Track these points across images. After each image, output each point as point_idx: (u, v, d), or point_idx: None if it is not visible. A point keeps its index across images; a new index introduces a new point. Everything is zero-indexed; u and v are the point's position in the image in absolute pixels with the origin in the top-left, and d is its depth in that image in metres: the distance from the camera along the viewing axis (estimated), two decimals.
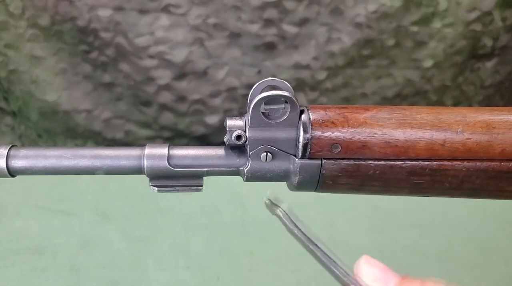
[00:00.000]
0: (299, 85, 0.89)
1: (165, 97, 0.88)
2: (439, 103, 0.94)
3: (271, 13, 0.82)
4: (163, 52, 0.84)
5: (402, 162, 0.33)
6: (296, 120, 0.33)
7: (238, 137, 0.33)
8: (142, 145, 0.35)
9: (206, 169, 0.34)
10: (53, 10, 0.81)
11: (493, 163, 0.33)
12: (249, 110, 0.33)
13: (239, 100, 0.90)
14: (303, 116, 0.33)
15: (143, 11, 0.82)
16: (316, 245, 0.29)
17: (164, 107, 0.90)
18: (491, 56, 0.91)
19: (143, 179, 0.35)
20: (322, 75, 0.88)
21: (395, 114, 0.33)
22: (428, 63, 0.89)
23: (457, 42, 0.87)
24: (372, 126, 0.32)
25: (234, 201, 0.78)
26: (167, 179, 0.34)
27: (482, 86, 0.94)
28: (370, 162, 0.33)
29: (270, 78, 0.34)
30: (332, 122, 0.33)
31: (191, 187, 0.35)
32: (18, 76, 0.87)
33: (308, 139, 0.32)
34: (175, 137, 0.94)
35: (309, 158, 0.33)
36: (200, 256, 0.67)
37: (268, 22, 0.83)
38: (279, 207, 0.32)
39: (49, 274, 0.63)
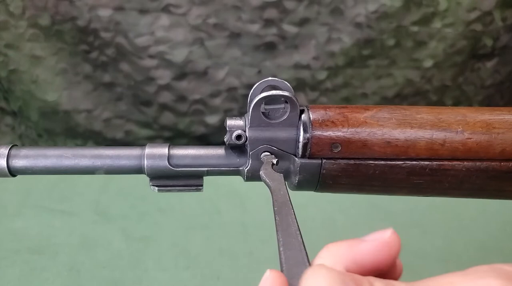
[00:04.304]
0: (299, 85, 0.89)
1: (165, 97, 0.88)
2: (439, 103, 0.94)
3: (271, 13, 0.82)
4: (163, 52, 0.84)
5: (402, 162, 0.33)
6: (296, 120, 0.33)
7: (238, 137, 0.33)
8: (142, 145, 0.35)
9: (206, 169, 0.34)
10: (53, 10, 0.81)
11: (493, 163, 0.33)
12: (249, 110, 0.33)
13: (239, 100, 0.90)
14: (303, 116, 0.33)
15: (143, 11, 0.81)
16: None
17: (164, 107, 0.90)
18: (491, 56, 0.91)
19: (143, 178, 0.35)
20: (322, 75, 0.88)
21: (395, 114, 0.33)
22: (428, 63, 0.88)
23: (457, 42, 0.87)
24: (372, 126, 0.32)
25: (234, 201, 0.78)
26: (167, 178, 0.34)
27: (482, 86, 0.94)
28: (370, 161, 0.33)
29: (270, 78, 0.34)
30: (332, 121, 0.33)
31: (191, 186, 0.35)
32: (18, 76, 0.87)
33: (308, 138, 0.32)
34: (175, 137, 0.94)
35: (309, 158, 0.33)
36: (200, 256, 0.67)
37: (268, 22, 0.83)
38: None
39: (49, 274, 0.63)
